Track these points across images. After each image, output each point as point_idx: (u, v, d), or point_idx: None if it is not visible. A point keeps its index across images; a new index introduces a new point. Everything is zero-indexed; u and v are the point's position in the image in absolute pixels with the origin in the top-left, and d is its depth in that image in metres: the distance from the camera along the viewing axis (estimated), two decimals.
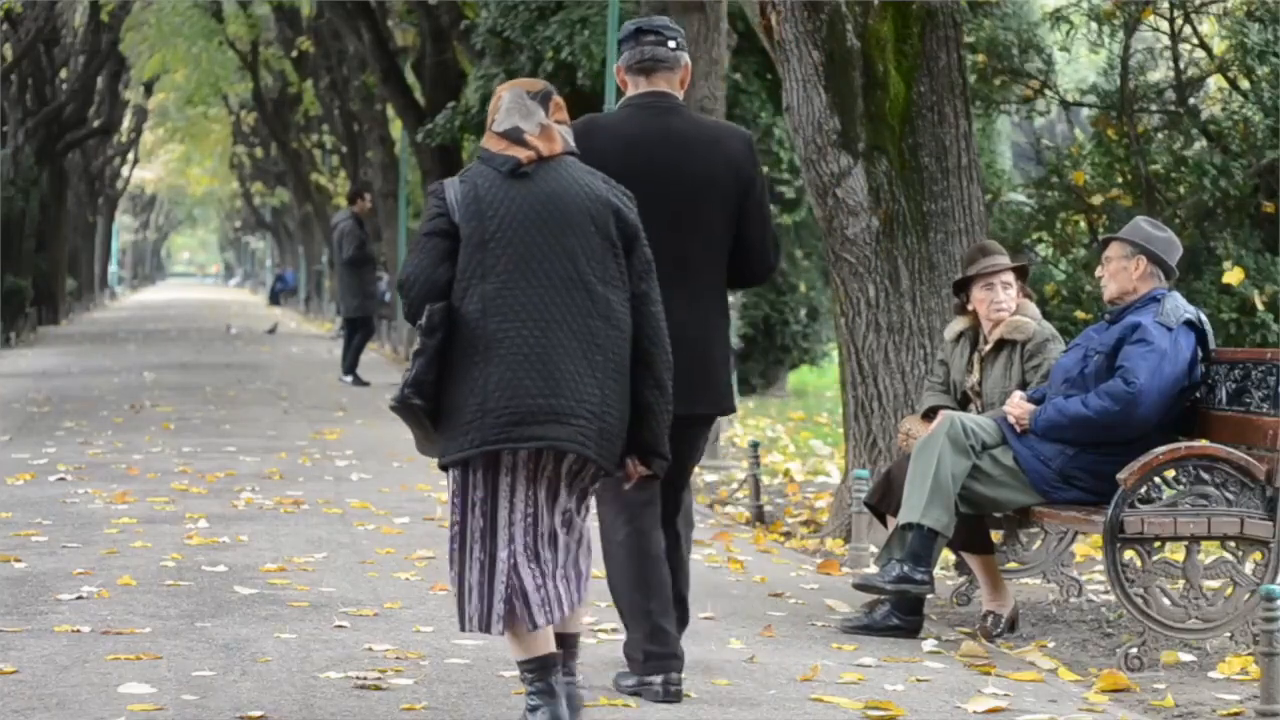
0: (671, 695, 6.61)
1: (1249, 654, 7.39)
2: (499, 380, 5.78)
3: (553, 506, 5.92)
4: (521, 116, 6.05)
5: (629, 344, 5.98)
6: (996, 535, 8.64)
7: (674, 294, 6.58)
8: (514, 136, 6.02)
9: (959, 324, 8.79)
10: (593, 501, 6.17)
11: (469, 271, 5.90)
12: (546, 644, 5.86)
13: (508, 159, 5.99)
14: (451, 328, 5.86)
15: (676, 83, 6.91)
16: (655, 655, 6.65)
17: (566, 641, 6.07)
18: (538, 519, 5.88)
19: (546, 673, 5.87)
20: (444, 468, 5.91)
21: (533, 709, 5.86)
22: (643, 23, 6.91)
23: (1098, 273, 8.30)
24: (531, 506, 5.88)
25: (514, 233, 5.91)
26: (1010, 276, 8.63)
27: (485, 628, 5.85)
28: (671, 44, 6.89)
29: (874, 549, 9.64)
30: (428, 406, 5.85)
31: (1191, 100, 12.93)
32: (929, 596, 8.12)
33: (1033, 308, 8.68)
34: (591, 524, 6.14)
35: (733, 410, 7.14)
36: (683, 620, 6.91)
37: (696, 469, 15.38)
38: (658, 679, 6.63)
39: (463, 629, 5.91)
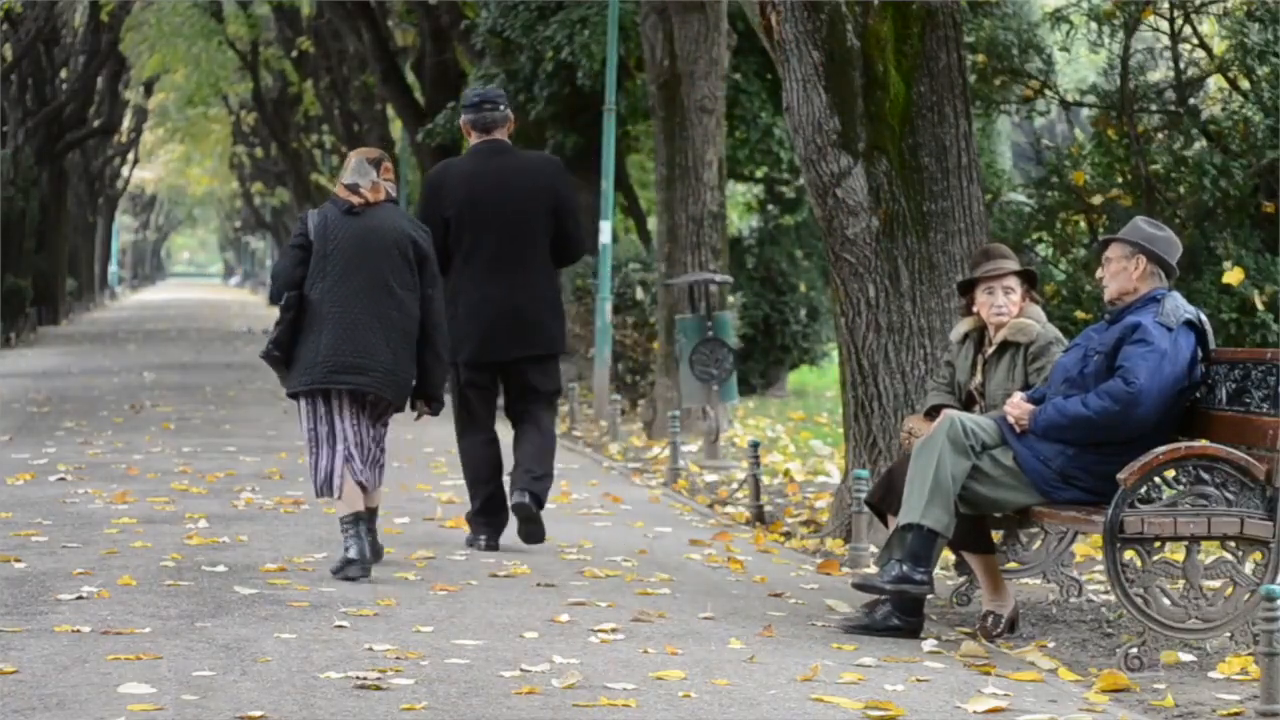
0: (492, 547, 10.04)
1: (1249, 654, 7.39)
2: (326, 344, 9.11)
3: (369, 427, 9.24)
4: (359, 175, 9.26)
5: (416, 327, 9.23)
6: (996, 535, 8.63)
7: (513, 278, 9.97)
8: (352, 189, 9.24)
9: (964, 325, 8.79)
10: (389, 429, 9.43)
11: (315, 273, 9.19)
12: (359, 504, 9.09)
13: (346, 202, 9.23)
14: (301, 308, 9.18)
15: (505, 133, 10.14)
16: (484, 522, 10.13)
17: (370, 512, 9.32)
18: (359, 431, 9.20)
19: (358, 525, 9.03)
20: (292, 396, 9.26)
21: (348, 548, 8.99)
22: (482, 96, 10.13)
23: (1098, 274, 8.29)
24: (356, 422, 9.20)
25: (345, 251, 9.16)
26: (1013, 281, 8.62)
27: (331, 493, 9.11)
28: (502, 107, 10.15)
29: (874, 549, 9.64)
30: (284, 358, 9.21)
31: (1191, 100, 12.91)
32: (929, 596, 8.12)
33: (1038, 311, 8.67)
34: (388, 444, 9.45)
35: (564, 350, 10.25)
36: (541, 499, 9.98)
37: (696, 469, 15.47)
38: (483, 538, 10.09)
39: (318, 496, 9.22)
